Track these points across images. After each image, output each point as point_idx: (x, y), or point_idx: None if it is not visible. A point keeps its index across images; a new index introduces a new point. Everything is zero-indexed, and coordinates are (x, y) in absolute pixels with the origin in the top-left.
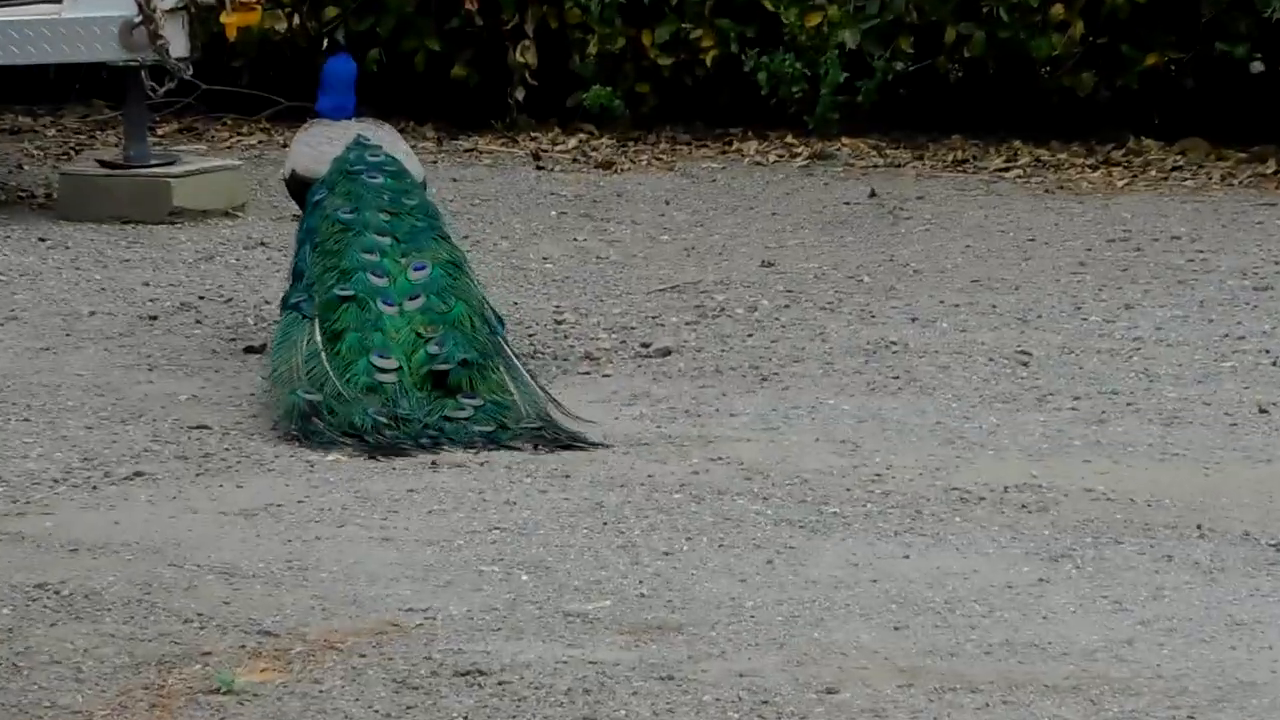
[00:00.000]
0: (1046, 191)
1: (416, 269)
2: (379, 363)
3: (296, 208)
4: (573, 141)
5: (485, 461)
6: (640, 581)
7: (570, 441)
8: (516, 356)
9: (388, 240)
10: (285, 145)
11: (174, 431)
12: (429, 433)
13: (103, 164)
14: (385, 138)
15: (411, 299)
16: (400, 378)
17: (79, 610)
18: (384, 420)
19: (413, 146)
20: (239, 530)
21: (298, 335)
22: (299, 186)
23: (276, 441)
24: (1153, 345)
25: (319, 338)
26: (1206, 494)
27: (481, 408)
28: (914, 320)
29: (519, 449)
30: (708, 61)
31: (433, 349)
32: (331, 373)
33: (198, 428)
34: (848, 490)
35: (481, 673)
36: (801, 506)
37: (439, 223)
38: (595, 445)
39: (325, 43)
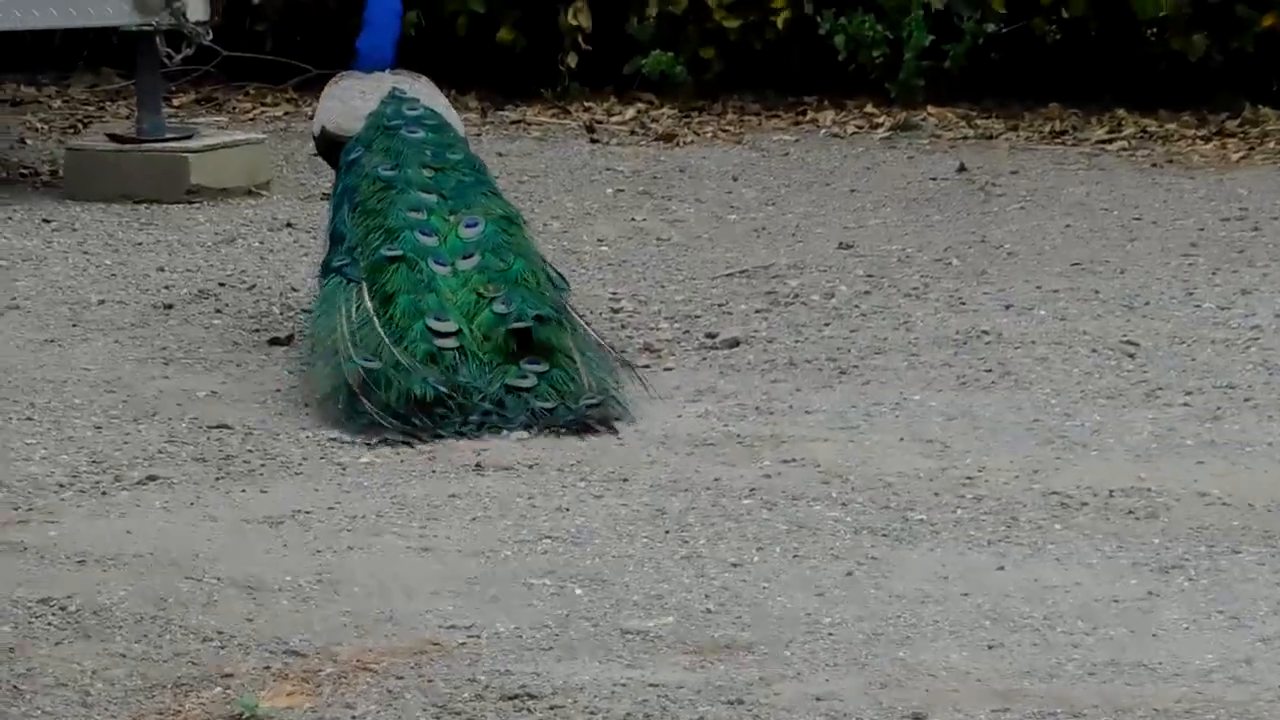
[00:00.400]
0: (1154, 165)
1: (469, 225)
2: (436, 326)
3: (327, 185)
4: (630, 112)
5: (535, 463)
6: (706, 596)
7: (602, 423)
8: (583, 319)
9: (434, 198)
10: (313, 117)
11: (191, 431)
12: (485, 408)
13: (113, 138)
14: (423, 90)
15: (465, 258)
16: (461, 341)
17: (87, 628)
18: (445, 391)
19: None
20: (263, 540)
21: (343, 302)
22: (330, 145)
23: (304, 442)
24: (1272, 334)
25: (369, 302)
26: None
27: (546, 375)
28: (1008, 307)
29: (575, 433)
30: (779, 23)
31: (499, 308)
32: (387, 339)
33: (217, 427)
34: (936, 495)
35: (531, 696)
36: (884, 513)
37: (487, 177)
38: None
39: None
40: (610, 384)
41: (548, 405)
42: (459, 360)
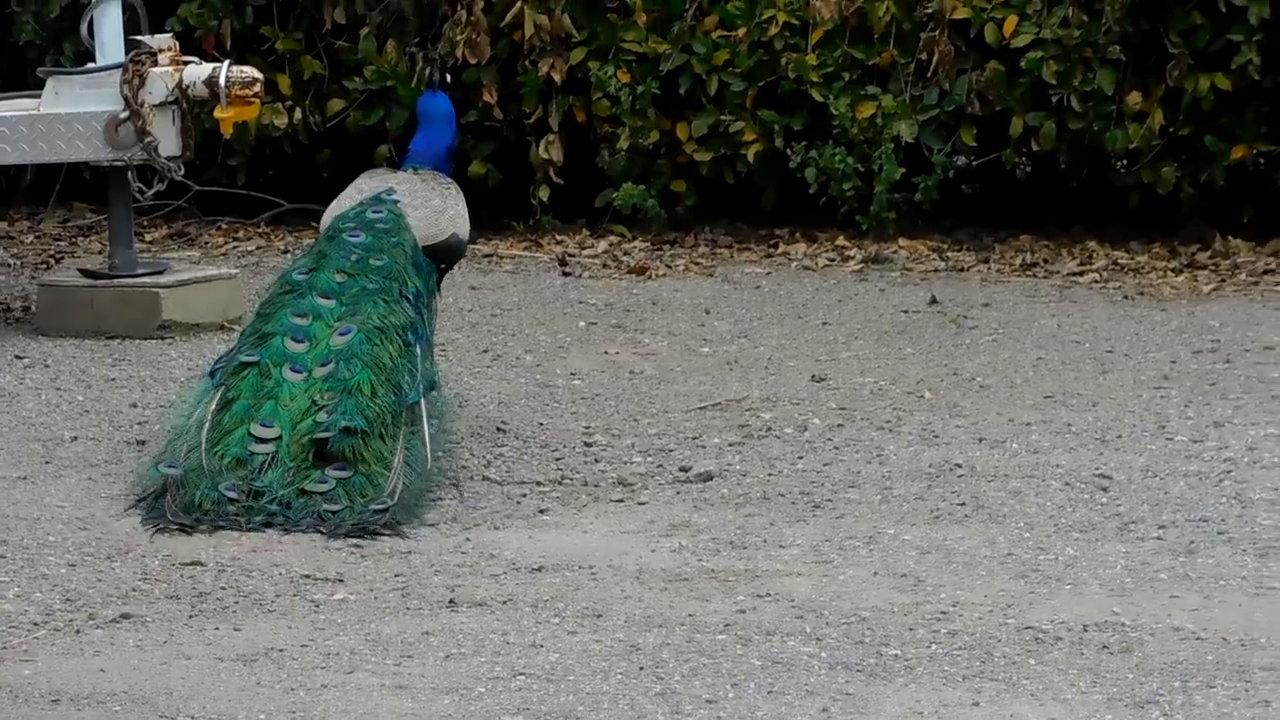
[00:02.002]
0: (1125, 297)
1: (341, 334)
2: (258, 432)
3: None
4: (602, 245)
5: (508, 599)
6: None
7: (386, 528)
8: (434, 419)
9: (331, 303)
10: (285, 251)
11: (164, 569)
12: (270, 509)
13: (85, 273)
14: (416, 191)
15: (323, 365)
16: (277, 447)
17: None
18: (233, 495)
19: None
20: (237, 678)
21: (196, 404)
22: None
23: (278, 579)
24: (1245, 467)
25: (212, 406)
26: None
27: (346, 481)
28: (981, 440)
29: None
30: (750, 157)
31: (321, 417)
32: (204, 443)
33: (191, 564)
34: (910, 630)
35: None
36: (859, 648)
37: (397, 284)
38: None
39: (427, 75)
40: (412, 494)
41: (334, 508)
42: (267, 465)
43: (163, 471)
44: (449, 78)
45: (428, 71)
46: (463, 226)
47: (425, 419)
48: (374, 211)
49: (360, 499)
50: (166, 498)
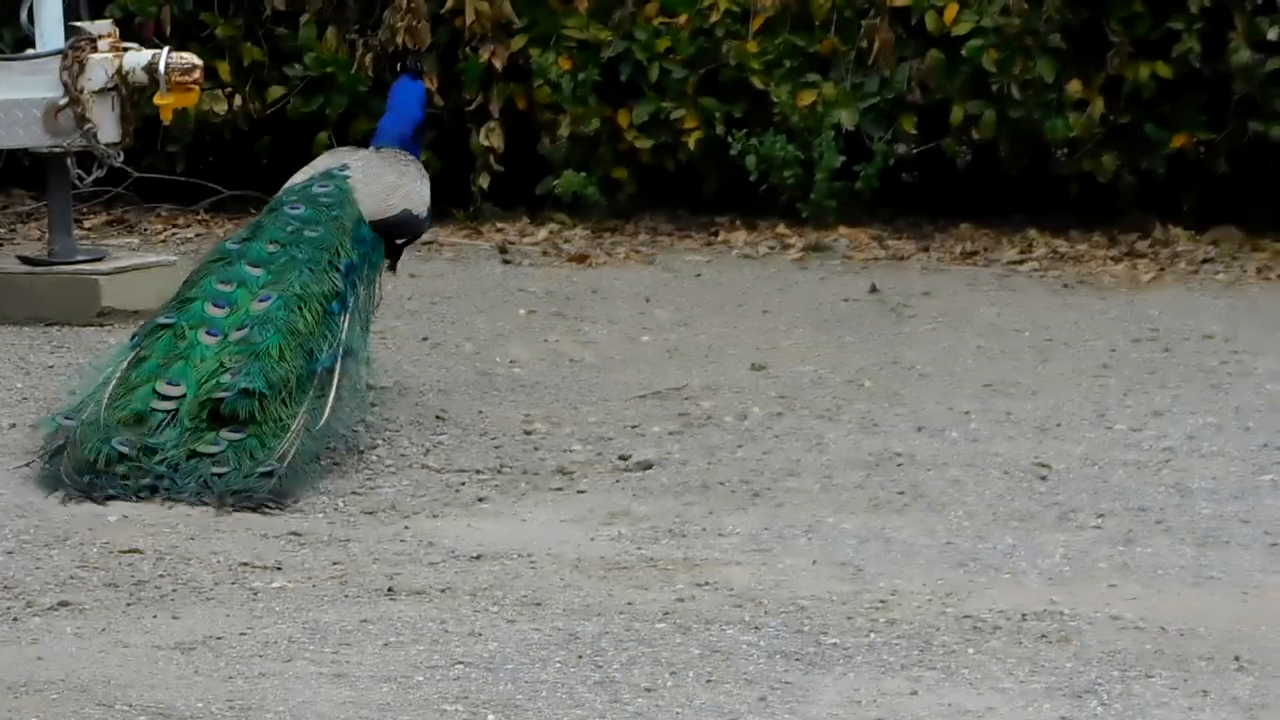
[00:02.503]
0: (1065, 286)
1: (260, 300)
2: (164, 390)
3: None
4: (543, 233)
5: (447, 588)
6: None
7: (267, 501)
8: (343, 390)
9: (259, 271)
10: (225, 237)
11: (103, 556)
12: (159, 471)
13: (24, 260)
14: (371, 168)
15: (239, 329)
16: (179, 405)
17: None
18: (125, 450)
19: None
20: (175, 666)
21: (111, 364)
22: None
23: (216, 567)
24: (1184, 456)
25: (124, 365)
26: (1245, 622)
27: (238, 443)
28: (921, 429)
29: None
30: (691, 144)
31: (225, 379)
32: (105, 400)
33: (129, 552)
34: (849, 619)
35: None
36: (798, 637)
37: (327, 255)
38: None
39: (403, 62)
40: (304, 457)
41: (220, 471)
42: (166, 423)
43: (59, 422)
44: (423, 67)
45: (405, 59)
46: (417, 203)
47: (335, 385)
48: (320, 186)
49: (249, 461)
50: (63, 456)
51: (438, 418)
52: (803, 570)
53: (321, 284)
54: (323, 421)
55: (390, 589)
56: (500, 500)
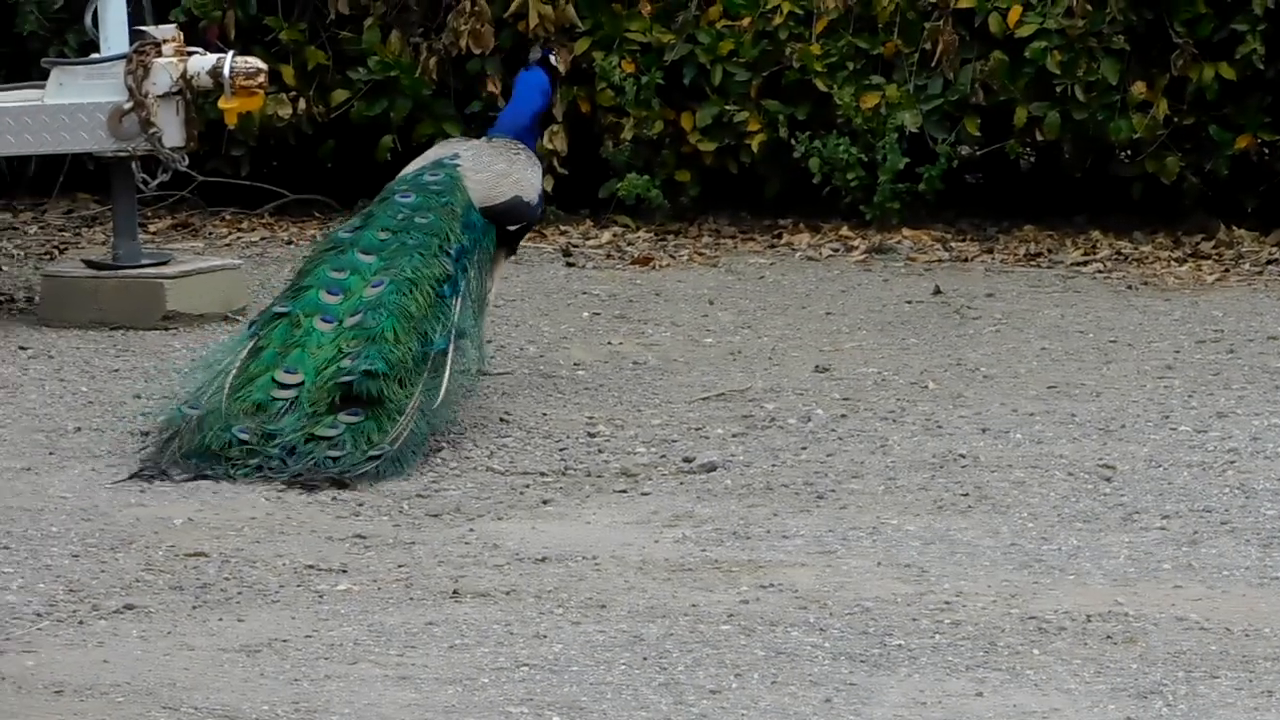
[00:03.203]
0: (1129, 287)
1: (374, 285)
2: (282, 378)
3: None
4: (606, 235)
5: (512, 590)
6: None
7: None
8: (457, 371)
9: (371, 259)
10: (289, 242)
11: (168, 560)
12: (275, 453)
13: (89, 264)
14: (481, 156)
15: (353, 315)
16: (299, 392)
17: None
18: (245, 437)
19: None
20: (240, 669)
21: (228, 353)
22: None
23: (281, 569)
24: (1249, 458)
25: (243, 354)
26: None
27: (355, 426)
28: (985, 431)
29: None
30: (754, 147)
31: (345, 363)
32: (227, 389)
33: (194, 555)
34: (914, 620)
35: None
36: (863, 639)
37: (437, 240)
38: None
39: (531, 53)
40: (415, 440)
41: (335, 454)
42: (286, 410)
43: (183, 411)
44: (552, 57)
45: (532, 48)
46: (527, 190)
47: (448, 367)
48: (430, 174)
49: (365, 444)
50: (174, 442)
51: (502, 420)
52: (867, 572)
53: (432, 268)
54: (438, 402)
55: (455, 591)
56: (564, 502)
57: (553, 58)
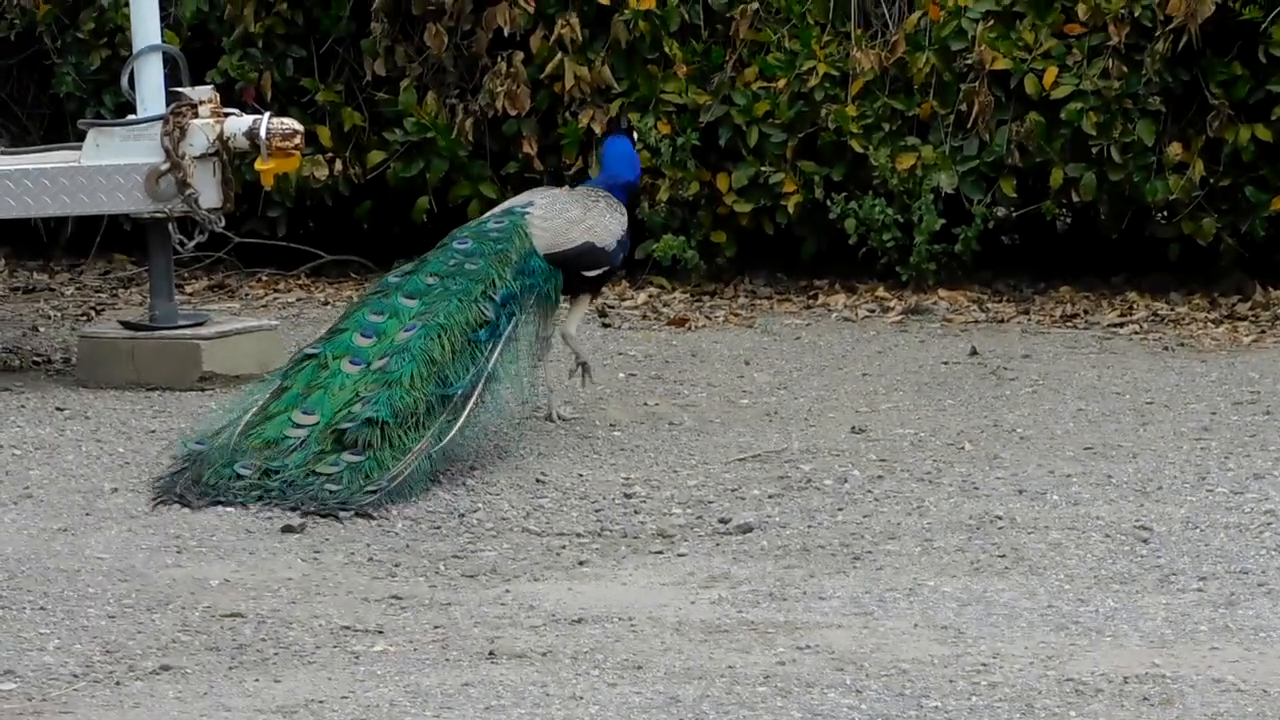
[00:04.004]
0: (1165, 349)
1: (405, 330)
2: (299, 419)
3: None
4: (642, 296)
5: (548, 651)
6: None
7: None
8: (476, 415)
9: (413, 303)
10: (325, 303)
11: (204, 620)
12: (274, 486)
13: (125, 325)
14: (556, 203)
15: (381, 358)
16: (310, 432)
17: None
18: (245, 473)
19: None
20: None
21: (255, 393)
22: None
23: (318, 630)
24: None
25: (268, 395)
26: None
27: (355, 465)
28: (1021, 492)
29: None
30: (790, 208)
31: (356, 408)
32: (241, 426)
33: (231, 615)
34: (950, 682)
35: None
36: (900, 700)
37: (480, 286)
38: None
39: (617, 123)
40: (417, 477)
41: (333, 488)
42: (295, 448)
43: (189, 447)
44: (632, 125)
45: (617, 118)
46: (603, 236)
47: (467, 410)
48: (495, 221)
49: (363, 481)
50: (185, 474)
51: (538, 481)
52: (904, 633)
53: (468, 313)
54: (444, 443)
55: (491, 652)
56: (601, 563)
57: (634, 133)
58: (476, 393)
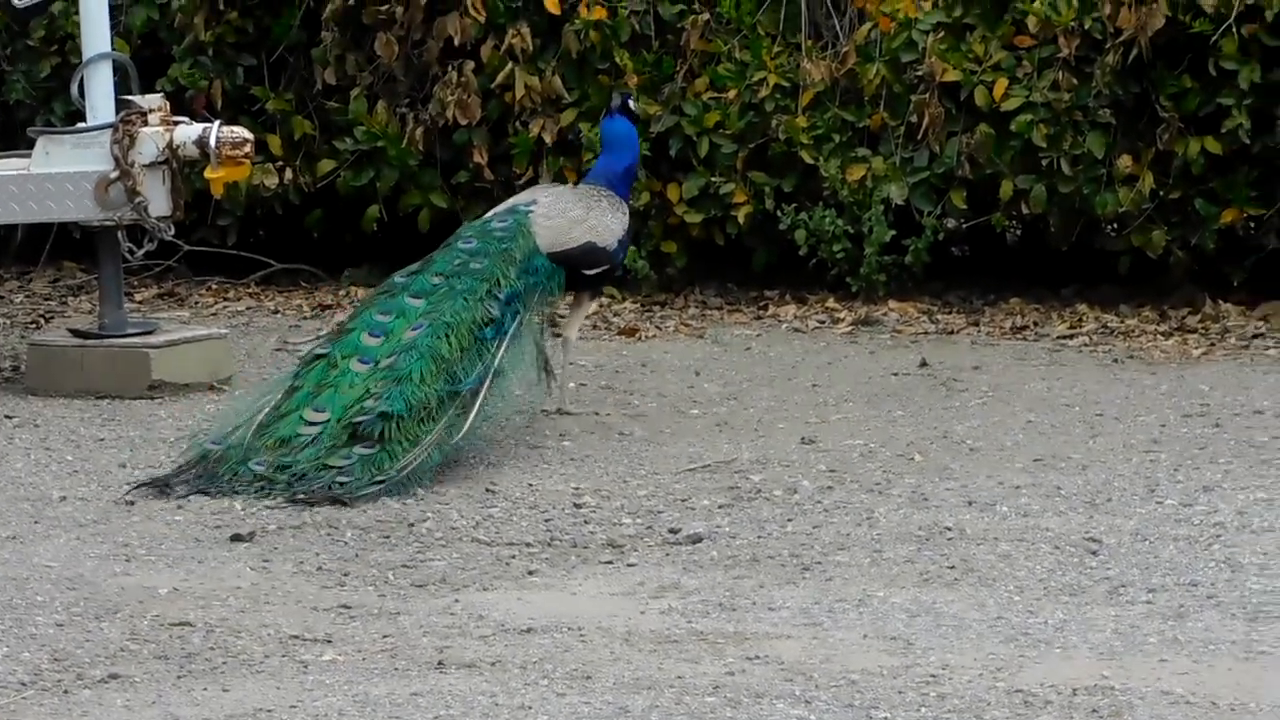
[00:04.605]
0: (1115, 361)
1: (413, 329)
2: (310, 416)
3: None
4: (593, 306)
5: (497, 660)
6: None
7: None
8: (486, 409)
9: (420, 302)
10: (275, 311)
11: (153, 629)
12: (285, 480)
13: (75, 333)
14: (559, 201)
15: (389, 356)
16: (322, 429)
17: None
18: (260, 470)
19: None
20: None
21: (268, 392)
22: None
23: (267, 639)
24: (1235, 531)
25: (280, 395)
26: None
27: (367, 458)
28: (971, 503)
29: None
30: (740, 218)
31: (369, 403)
32: (255, 425)
33: (179, 624)
34: (899, 693)
35: None
36: (849, 711)
37: (486, 285)
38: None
39: (611, 101)
40: (425, 468)
41: (343, 480)
42: (307, 444)
43: (206, 447)
44: (631, 104)
45: (612, 97)
46: (604, 235)
47: (477, 405)
48: (499, 220)
49: (374, 470)
50: (193, 470)
51: (488, 490)
52: (853, 644)
53: (474, 312)
54: (458, 437)
55: (440, 662)
56: (550, 573)
57: (632, 103)
58: (484, 388)
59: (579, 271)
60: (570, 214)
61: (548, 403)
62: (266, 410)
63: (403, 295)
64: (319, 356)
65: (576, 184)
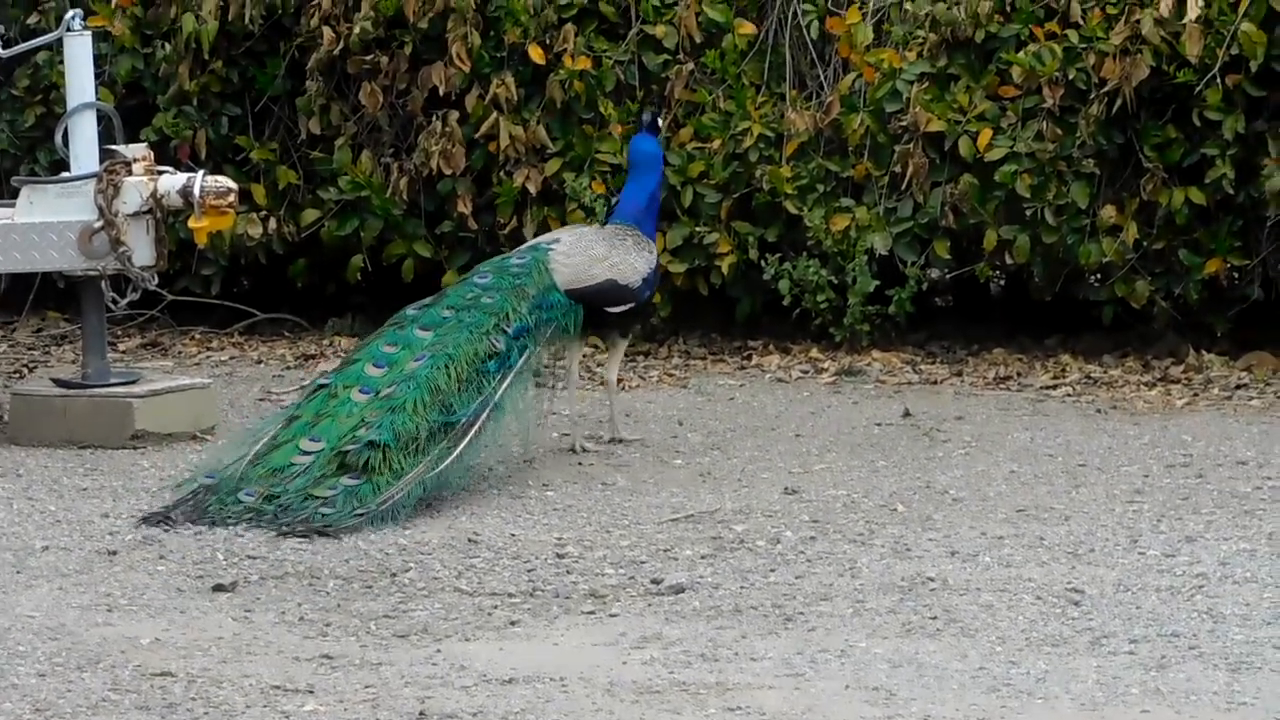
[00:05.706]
0: (1098, 411)
1: (415, 360)
2: (306, 445)
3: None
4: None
5: (479, 712)
6: None
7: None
8: (477, 443)
9: (427, 334)
10: (259, 361)
11: (135, 679)
12: (270, 510)
13: (58, 383)
14: (581, 240)
15: (389, 386)
16: (315, 458)
17: None
18: (249, 500)
19: None
20: None
21: (268, 424)
22: None
23: (248, 690)
24: (1217, 582)
25: (279, 425)
26: None
27: (351, 489)
28: (954, 554)
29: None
30: (724, 268)
31: (361, 432)
32: (251, 456)
33: (161, 674)
34: None
35: None
36: None
37: (493, 319)
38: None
39: (640, 118)
40: (407, 501)
41: (326, 511)
42: (300, 473)
43: (200, 482)
44: (660, 121)
45: (641, 114)
46: (627, 273)
47: (468, 438)
48: (518, 257)
49: (356, 503)
50: (186, 504)
51: (470, 540)
52: (835, 694)
53: (478, 345)
54: (440, 469)
55: (422, 712)
56: (532, 623)
57: (660, 120)
58: (480, 421)
59: (602, 310)
60: (591, 252)
61: (603, 431)
62: (264, 441)
63: (412, 327)
64: (321, 386)
65: (604, 224)
